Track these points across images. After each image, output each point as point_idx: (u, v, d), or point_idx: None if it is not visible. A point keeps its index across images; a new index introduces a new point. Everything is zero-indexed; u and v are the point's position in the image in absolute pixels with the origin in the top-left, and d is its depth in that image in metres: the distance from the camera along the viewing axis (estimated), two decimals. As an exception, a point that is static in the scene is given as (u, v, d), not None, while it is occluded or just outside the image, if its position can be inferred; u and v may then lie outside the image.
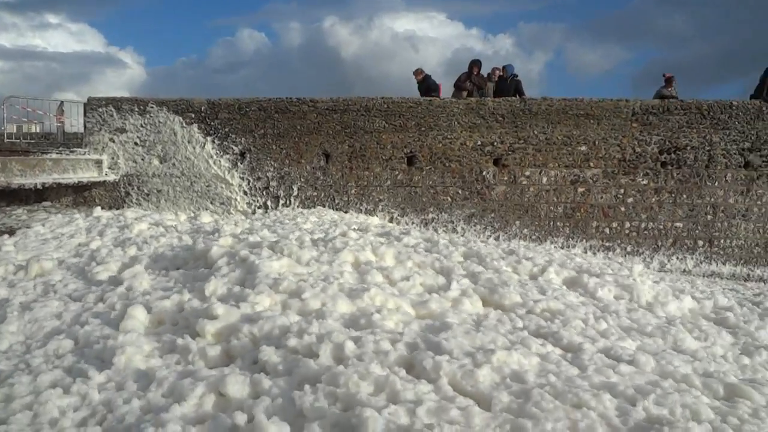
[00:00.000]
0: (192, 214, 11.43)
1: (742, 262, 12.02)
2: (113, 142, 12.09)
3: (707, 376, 4.60)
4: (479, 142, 11.85)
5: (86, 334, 5.02)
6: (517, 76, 12.85)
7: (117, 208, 11.72)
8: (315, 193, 11.99)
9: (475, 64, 12.83)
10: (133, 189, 12.05)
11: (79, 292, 6.32)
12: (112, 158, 12.06)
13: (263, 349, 4.40)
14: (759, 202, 11.98)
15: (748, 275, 11.91)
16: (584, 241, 11.92)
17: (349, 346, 4.16)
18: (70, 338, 5.02)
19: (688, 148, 11.86)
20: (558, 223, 11.95)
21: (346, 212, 11.77)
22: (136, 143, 12.09)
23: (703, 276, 11.72)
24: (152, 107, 12.06)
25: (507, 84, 12.68)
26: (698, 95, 12.31)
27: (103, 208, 11.44)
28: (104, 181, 11.92)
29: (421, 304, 5.59)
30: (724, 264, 11.99)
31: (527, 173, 11.91)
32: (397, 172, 11.92)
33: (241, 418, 3.52)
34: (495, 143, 11.85)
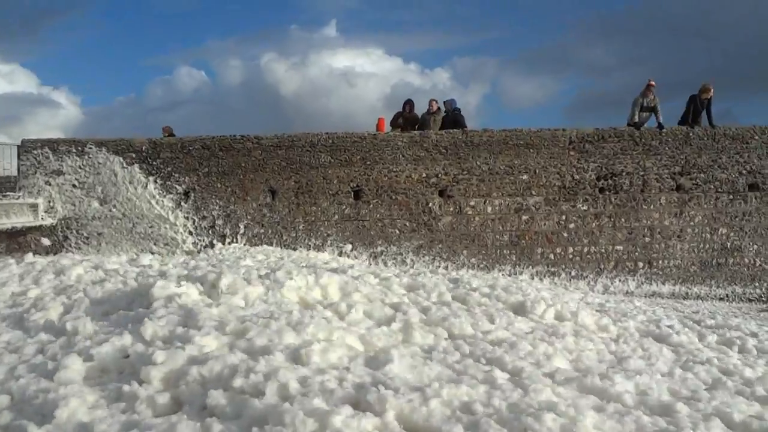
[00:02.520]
0: (134, 257, 11.12)
1: (680, 281, 12.48)
2: (49, 185, 11.73)
3: (645, 394, 4.72)
4: (424, 174, 12.03)
5: (22, 388, 4.77)
6: (458, 110, 13.17)
7: (54, 253, 11.30)
8: (262, 230, 11.88)
9: (407, 103, 13.26)
10: (71, 232, 11.66)
11: (14, 344, 6.03)
12: (49, 202, 11.67)
13: (211, 393, 4.29)
14: (692, 223, 12.52)
15: (687, 294, 12.37)
16: (530, 267, 12.17)
17: (294, 385, 4.10)
18: (4, 394, 4.76)
19: (624, 173, 12.34)
20: (504, 251, 12.17)
21: (294, 249, 11.68)
22: (74, 185, 11.75)
23: (645, 296, 12.10)
24: (91, 148, 11.79)
25: (449, 117, 12.99)
26: (624, 122, 12.81)
27: (39, 253, 11.01)
28: (40, 226, 11.51)
29: (367, 337, 5.57)
30: (663, 284, 12.42)
31: (472, 203, 12.14)
32: (344, 207, 11.96)
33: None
34: (439, 175, 12.06)
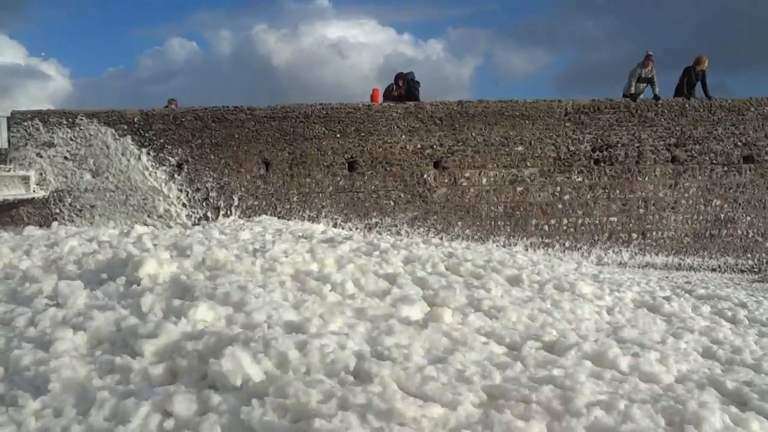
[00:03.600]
0: (128, 229, 11.05)
1: (673, 252, 12.55)
2: (41, 157, 11.59)
3: (639, 362, 4.77)
4: (419, 146, 11.96)
5: (16, 360, 4.76)
6: (416, 82, 12.83)
7: (47, 226, 11.22)
8: (256, 203, 11.82)
9: (398, 76, 12.98)
10: (64, 205, 11.57)
11: (7, 315, 6.00)
12: (41, 174, 11.55)
13: (212, 362, 4.29)
14: (686, 195, 12.55)
15: (680, 264, 12.46)
16: (525, 238, 12.20)
17: (295, 355, 4.11)
18: (-1, 365, 4.75)
19: (619, 145, 12.31)
20: (499, 223, 12.18)
21: (289, 220, 11.65)
22: (65, 157, 11.62)
23: (638, 267, 12.18)
24: (82, 119, 11.64)
25: (409, 88, 12.81)
26: (615, 94, 12.76)
27: (33, 225, 10.92)
28: (33, 199, 11.41)
29: (364, 309, 5.57)
30: (657, 255, 12.50)
31: (467, 175, 12.10)
32: (338, 178, 11.90)
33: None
34: (434, 146, 11.99)
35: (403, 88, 12.83)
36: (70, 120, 11.65)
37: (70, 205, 11.59)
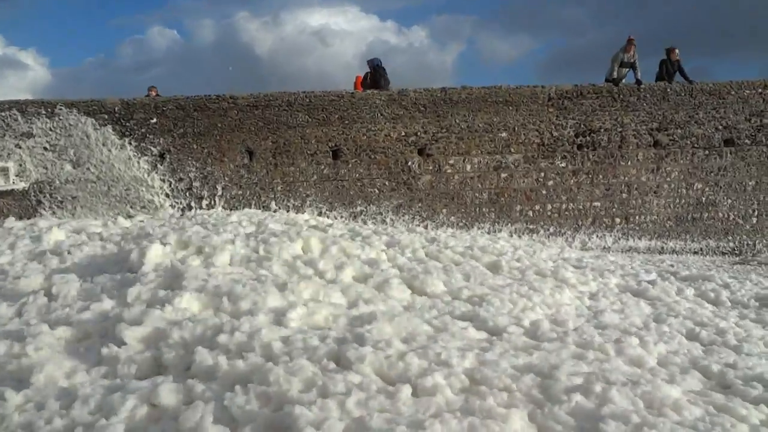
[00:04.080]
0: (112, 220, 10.96)
1: (656, 236, 12.67)
2: (20, 147, 11.41)
3: (623, 345, 4.82)
4: (403, 133, 11.94)
5: (-1, 353, 4.72)
6: (382, 68, 12.76)
7: (28, 218, 11.09)
8: (240, 192, 11.76)
9: (368, 62, 12.99)
10: (45, 197, 11.42)
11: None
12: (20, 165, 11.39)
13: (198, 350, 4.29)
14: (668, 179, 12.65)
15: (662, 248, 12.58)
16: (509, 225, 12.25)
17: (278, 344, 4.11)
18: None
19: (602, 130, 12.37)
20: (483, 209, 12.22)
21: (274, 210, 11.60)
22: (45, 148, 11.45)
23: (622, 251, 12.28)
24: (61, 109, 11.46)
25: (374, 75, 12.73)
26: (598, 79, 12.82)
27: (13, 218, 10.79)
28: (12, 190, 11.25)
29: (348, 293, 5.59)
30: (640, 239, 12.61)
31: (451, 161, 12.11)
32: (323, 167, 11.85)
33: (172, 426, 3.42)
34: (418, 133, 11.97)
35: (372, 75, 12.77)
36: (49, 110, 11.47)
37: (50, 196, 11.44)
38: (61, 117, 11.45)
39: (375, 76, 12.64)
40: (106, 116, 11.53)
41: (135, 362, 4.38)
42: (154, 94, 12.69)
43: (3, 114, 11.42)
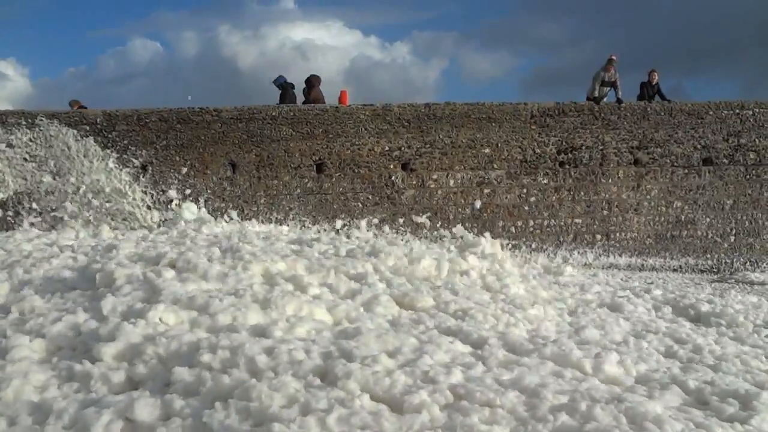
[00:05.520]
0: (91, 232, 10.81)
1: (636, 253, 12.80)
2: (-1, 158, 11.26)
3: (601, 362, 4.84)
4: (387, 148, 11.98)
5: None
6: (288, 84, 12.94)
7: (6, 230, 10.91)
8: (223, 204, 11.69)
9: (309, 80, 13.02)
10: (23, 208, 11.25)
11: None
12: (-1, 175, 11.22)
13: (176, 369, 4.23)
14: (648, 197, 12.82)
15: (642, 265, 12.71)
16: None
17: (262, 359, 4.07)
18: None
19: (583, 147, 12.52)
20: (466, 224, 12.26)
21: (258, 223, 11.54)
22: (25, 159, 11.31)
23: (603, 268, 12.37)
24: (42, 120, 11.35)
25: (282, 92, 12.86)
26: (578, 97, 13.03)
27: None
28: (-10, 201, 11.07)
29: (332, 310, 5.56)
30: (620, 256, 12.72)
31: (435, 177, 12.16)
32: (306, 180, 11.84)
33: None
34: (402, 148, 12.02)
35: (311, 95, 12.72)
36: (30, 120, 11.35)
37: (30, 207, 11.28)
38: (42, 128, 11.34)
39: (283, 94, 12.70)
40: (88, 127, 11.44)
41: (108, 378, 4.31)
42: (77, 108, 12.60)
43: (-18, 124, 11.27)
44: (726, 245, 13.14)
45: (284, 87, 12.88)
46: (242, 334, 4.69)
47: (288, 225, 11.61)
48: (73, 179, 11.30)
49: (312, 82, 12.93)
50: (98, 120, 11.47)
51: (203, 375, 4.10)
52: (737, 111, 13.02)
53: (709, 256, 13.05)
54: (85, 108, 12.40)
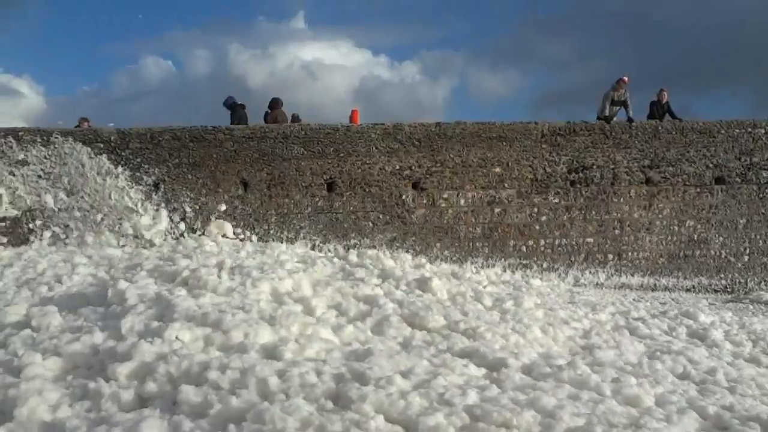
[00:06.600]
0: (103, 249, 10.86)
1: (648, 273, 12.69)
2: (13, 175, 11.37)
3: (619, 384, 4.78)
4: (398, 167, 12.00)
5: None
6: (238, 104, 13.02)
7: (19, 246, 10.98)
8: (234, 223, 11.72)
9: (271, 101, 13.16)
10: (37, 225, 11.34)
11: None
12: (13, 192, 11.33)
13: (183, 388, 4.21)
14: (660, 216, 12.74)
15: (655, 285, 12.59)
16: (503, 260, 12.24)
17: (274, 381, 4.05)
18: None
19: (594, 166, 12.48)
20: (477, 244, 12.22)
21: (266, 241, 11.55)
22: (39, 176, 11.41)
23: (615, 288, 12.27)
24: (57, 137, 11.47)
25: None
26: (588, 116, 13.04)
27: (3, 245, 10.69)
28: (4, 217, 11.16)
29: (343, 330, 5.54)
30: (632, 275, 12.62)
31: (445, 196, 12.15)
32: (317, 199, 11.87)
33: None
34: (413, 167, 12.04)
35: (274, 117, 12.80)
36: (45, 138, 11.48)
37: (43, 224, 11.36)
38: (56, 145, 11.46)
39: (232, 114, 12.79)
40: (102, 145, 11.54)
41: (120, 397, 4.30)
42: (86, 125, 12.74)
43: (-2, 141, 11.41)
44: (740, 265, 13.01)
45: (233, 108, 12.99)
46: (252, 355, 4.67)
47: (299, 243, 11.60)
48: (86, 196, 11.39)
49: (274, 104, 13.09)
50: (112, 138, 11.58)
51: (210, 396, 4.08)
52: (749, 130, 12.96)
53: (722, 275, 12.92)
54: (91, 127, 12.54)
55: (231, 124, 12.40)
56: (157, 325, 5.34)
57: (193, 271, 6.92)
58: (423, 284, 7.73)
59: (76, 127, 12.45)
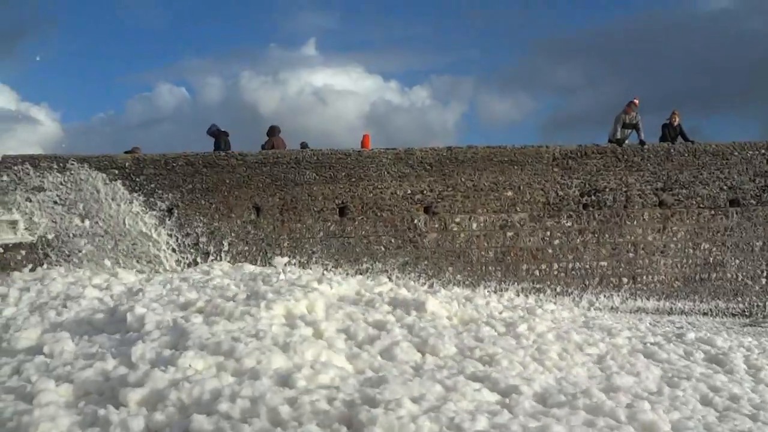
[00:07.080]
0: (117, 275, 10.93)
1: (664, 296, 12.54)
2: (30, 201, 11.53)
3: (635, 411, 4.70)
4: (409, 191, 12.03)
5: (-1, 411, 4.63)
6: (221, 132, 13.11)
7: (35, 271, 11.08)
8: (246, 248, 11.77)
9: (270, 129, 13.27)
10: (52, 250, 11.46)
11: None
12: (29, 218, 11.47)
13: (195, 418, 4.19)
14: (675, 239, 12.62)
15: (671, 309, 12.43)
16: (516, 284, 12.16)
17: (285, 409, 4.03)
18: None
19: (607, 189, 12.44)
20: (490, 268, 12.17)
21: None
22: (55, 202, 11.57)
23: (630, 312, 12.13)
24: (73, 164, 11.64)
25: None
26: (600, 139, 13.04)
27: (19, 271, 10.80)
28: (20, 243, 11.29)
29: (354, 356, 5.51)
30: (648, 299, 12.48)
31: (457, 220, 12.14)
32: (329, 223, 11.90)
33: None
34: (425, 191, 12.06)
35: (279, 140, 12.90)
36: (61, 164, 11.65)
37: (58, 249, 11.48)
38: (72, 172, 11.62)
39: (216, 142, 12.88)
40: (117, 171, 11.69)
41: (129, 425, 4.28)
42: (137, 154, 12.85)
43: (16, 168, 11.59)
44: (757, 288, 12.82)
45: (217, 135, 13.10)
46: (264, 382, 4.65)
47: (311, 268, 11.60)
48: (100, 222, 11.51)
49: (272, 131, 13.19)
50: (126, 164, 11.72)
51: (222, 424, 4.05)
52: (763, 151, 12.87)
53: (740, 299, 12.73)
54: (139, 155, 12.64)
55: (214, 151, 12.48)
56: (170, 353, 5.33)
57: (208, 301, 6.94)
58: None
59: (126, 152, 12.57)
